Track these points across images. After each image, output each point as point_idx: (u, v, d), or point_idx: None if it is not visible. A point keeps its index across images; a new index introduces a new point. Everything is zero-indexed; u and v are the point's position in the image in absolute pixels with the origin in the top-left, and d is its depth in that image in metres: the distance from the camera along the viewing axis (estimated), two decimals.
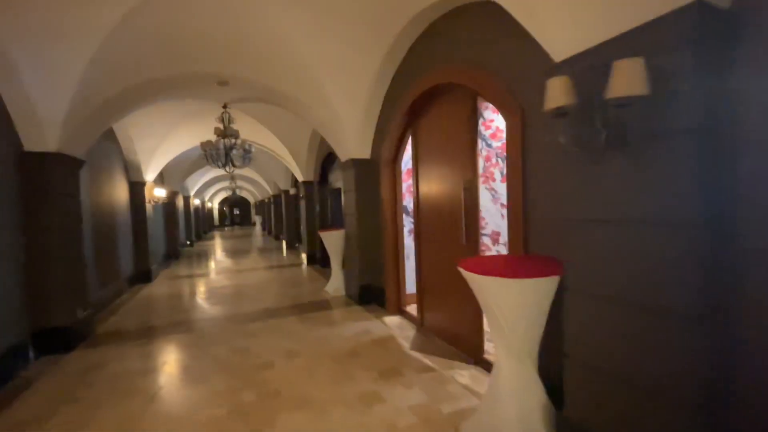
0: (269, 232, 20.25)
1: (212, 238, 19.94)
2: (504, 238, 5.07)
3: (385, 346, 3.71)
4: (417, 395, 2.76)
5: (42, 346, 3.74)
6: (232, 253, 12.73)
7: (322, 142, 7.67)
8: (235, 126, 6.34)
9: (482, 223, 4.59)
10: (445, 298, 3.73)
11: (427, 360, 3.35)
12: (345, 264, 5.95)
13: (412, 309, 4.58)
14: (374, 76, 4.24)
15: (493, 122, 4.89)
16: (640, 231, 1.66)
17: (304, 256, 9.70)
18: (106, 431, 2.50)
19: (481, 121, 4.27)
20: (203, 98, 5.58)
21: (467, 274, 2.16)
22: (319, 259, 8.71)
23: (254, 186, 21.30)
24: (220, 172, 14.36)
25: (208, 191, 21.64)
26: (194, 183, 15.47)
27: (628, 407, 1.74)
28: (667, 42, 1.49)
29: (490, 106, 4.68)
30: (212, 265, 10.07)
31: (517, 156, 2.58)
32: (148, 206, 7.80)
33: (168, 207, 10.78)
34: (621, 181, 1.71)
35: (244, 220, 35.40)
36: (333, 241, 5.94)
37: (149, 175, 7.67)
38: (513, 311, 2.03)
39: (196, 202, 18.37)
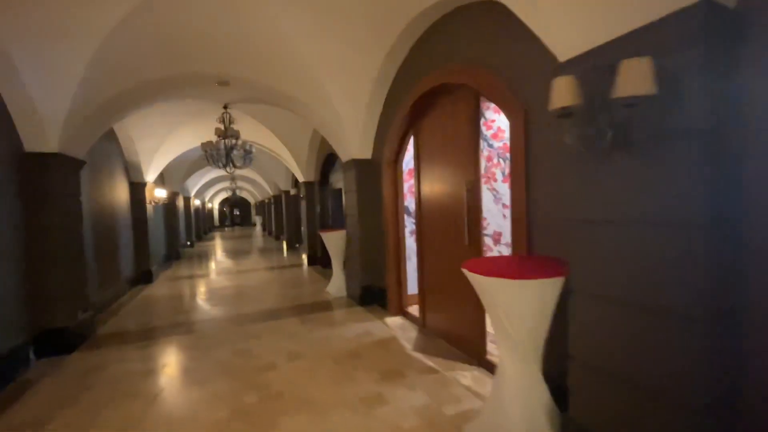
0: (269, 233, 20.24)
1: (212, 238, 19.94)
2: (505, 238, 5.06)
3: (387, 347, 3.69)
4: (420, 397, 2.75)
5: (43, 348, 3.73)
6: (233, 253, 12.72)
7: (323, 142, 7.66)
8: (235, 126, 6.33)
9: (484, 223, 4.57)
10: (448, 298, 3.71)
11: (429, 361, 3.34)
12: (346, 265, 5.94)
13: (413, 310, 4.56)
14: (375, 76, 4.23)
15: (495, 122, 4.88)
16: (645, 231, 1.64)
17: (304, 256, 9.69)
18: None
19: (482, 121, 4.26)
20: (204, 98, 5.57)
21: (471, 275, 2.14)
22: (320, 260, 8.69)
23: (254, 186, 21.29)
24: (221, 172, 14.34)
25: (208, 192, 21.64)
26: (194, 183, 15.46)
27: (633, 409, 1.73)
28: (674, 41, 1.47)
29: (492, 106, 4.67)
30: (213, 265, 10.06)
31: (521, 156, 2.57)
32: (149, 207, 7.79)
33: (168, 208, 10.76)
34: (626, 181, 1.70)
35: (245, 221, 35.40)
36: (334, 241, 5.93)
37: (150, 176, 7.66)
38: (517, 312, 2.01)
39: (197, 202, 18.37)
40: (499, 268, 2.08)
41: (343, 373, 3.19)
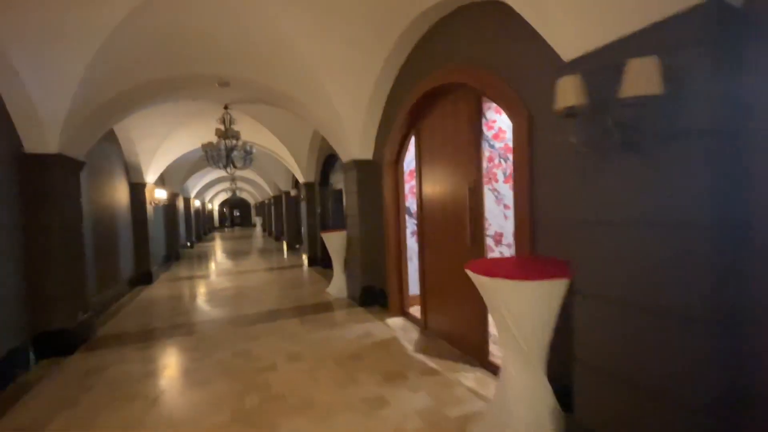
0: (269, 234, 20.21)
1: (212, 239, 19.91)
2: (507, 239, 5.05)
3: (388, 349, 3.67)
4: (422, 399, 2.73)
5: (42, 349, 3.71)
6: (233, 254, 12.70)
7: (323, 143, 7.65)
8: (236, 127, 6.32)
9: (485, 224, 4.55)
10: (449, 299, 3.69)
11: (431, 363, 3.32)
12: (347, 265, 5.92)
13: (414, 311, 4.55)
14: (376, 76, 4.21)
15: (496, 123, 4.87)
16: (650, 232, 1.63)
17: (304, 257, 9.67)
18: None
19: (483, 121, 4.24)
20: (204, 99, 5.56)
21: (475, 277, 2.13)
22: (321, 261, 8.67)
23: (254, 187, 21.28)
24: (221, 173, 14.33)
25: (208, 192, 21.62)
26: (194, 184, 15.45)
27: (637, 410, 1.71)
28: (682, 40, 1.46)
29: (493, 106, 4.66)
30: (213, 266, 10.04)
31: (524, 157, 2.55)
32: (149, 208, 7.77)
33: (168, 208, 10.75)
34: (631, 181, 1.68)
35: (245, 222, 35.37)
36: (335, 242, 5.91)
37: (150, 177, 7.65)
38: (522, 314, 1.99)
39: (197, 203, 18.35)
40: (503, 269, 2.07)
41: (344, 374, 3.17)
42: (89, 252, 4.87)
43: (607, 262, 1.81)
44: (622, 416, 1.78)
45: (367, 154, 5.02)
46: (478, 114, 3.20)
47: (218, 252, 13.63)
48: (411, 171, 4.84)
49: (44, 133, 3.66)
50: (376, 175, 4.99)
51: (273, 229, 18.27)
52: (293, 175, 10.47)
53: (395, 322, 4.48)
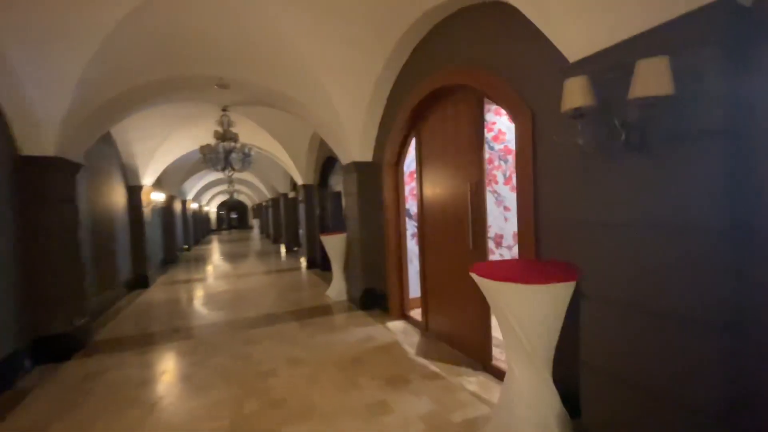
0: (267, 236, 20.14)
1: (210, 242, 19.80)
2: (507, 241, 5.04)
3: (389, 353, 3.64)
4: (426, 404, 2.69)
5: (39, 355, 3.66)
6: (231, 257, 12.62)
7: (322, 145, 7.62)
8: (234, 129, 6.28)
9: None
10: (451, 302, 3.66)
11: (433, 366, 3.29)
12: (346, 268, 5.88)
13: (415, 313, 4.51)
14: (377, 77, 4.19)
15: (495, 124, 4.87)
16: (660, 235, 1.61)
17: (303, 260, 9.62)
18: None
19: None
20: (203, 101, 5.52)
21: (480, 280, 2.10)
22: (320, 263, 8.63)
23: (252, 189, 21.21)
24: (218, 175, 14.28)
25: (205, 195, 21.53)
26: (192, 187, 15.37)
27: (646, 415, 1.69)
28: (691, 41, 1.44)
29: (492, 108, 4.66)
30: (210, 269, 9.96)
31: (527, 158, 2.53)
32: (146, 210, 7.71)
33: (166, 211, 10.67)
34: (639, 183, 1.66)
35: (242, 224, 35.23)
36: (334, 245, 5.87)
37: (147, 179, 7.59)
38: (529, 318, 1.97)
39: (194, 206, 18.26)
40: (508, 272, 2.04)
41: (346, 379, 3.13)
42: (86, 255, 4.81)
43: (613, 264, 1.79)
44: (630, 420, 1.76)
45: (367, 155, 4.99)
46: (480, 115, 3.18)
47: (216, 255, 13.55)
48: (411, 173, 4.82)
49: (41, 135, 3.62)
50: (376, 177, 4.96)
51: (271, 231, 18.20)
52: (291, 177, 10.42)
53: (396, 325, 4.44)
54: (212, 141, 6.30)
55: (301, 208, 9.40)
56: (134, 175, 7.30)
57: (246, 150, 6.52)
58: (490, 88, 2.84)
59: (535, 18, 2.04)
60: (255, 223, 30.27)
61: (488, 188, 4.84)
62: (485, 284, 2.08)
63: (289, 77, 4.42)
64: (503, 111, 4.71)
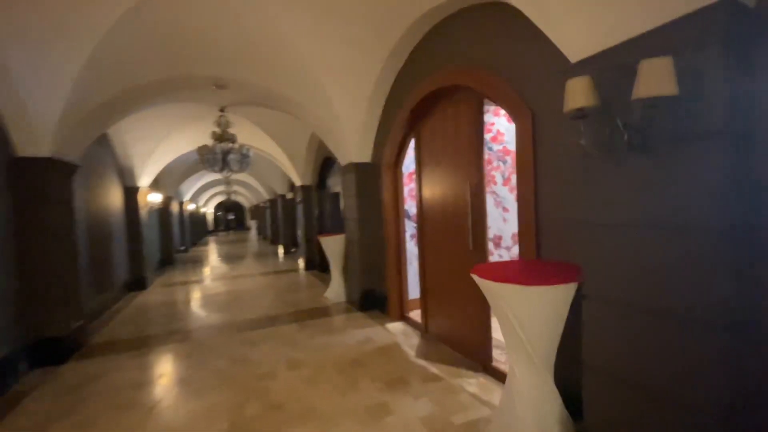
0: (265, 237, 20.08)
1: (207, 243, 19.73)
2: (506, 241, 5.03)
3: (389, 354, 3.62)
4: (426, 406, 2.68)
5: (34, 358, 3.62)
6: (228, 258, 12.57)
7: (321, 146, 7.60)
8: (232, 130, 6.24)
9: None
10: (451, 303, 3.65)
11: (433, 368, 3.27)
12: (345, 269, 5.86)
13: (414, 315, 4.50)
14: (376, 78, 4.18)
15: (494, 125, 4.86)
16: (661, 235, 1.60)
17: (301, 261, 9.59)
18: None
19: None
20: (201, 102, 5.49)
21: (481, 281, 2.09)
22: (318, 265, 8.60)
23: (249, 190, 21.15)
24: (215, 176, 14.21)
25: (202, 196, 21.45)
26: (189, 188, 15.31)
27: (650, 418, 1.68)
28: (694, 41, 1.43)
29: (491, 109, 4.65)
30: (208, 271, 9.92)
31: (528, 158, 2.52)
32: (143, 212, 7.66)
33: (163, 212, 10.61)
34: (642, 183, 1.66)
35: (239, 225, 35.12)
36: (333, 246, 5.85)
37: (144, 181, 7.54)
38: (531, 319, 1.96)
39: (191, 207, 18.18)
40: (510, 273, 2.03)
41: (345, 381, 3.11)
42: (82, 257, 4.77)
43: (614, 264, 1.78)
44: (632, 421, 1.76)
45: (366, 156, 4.98)
46: (480, 116, 3.17)
47: (213, 256, 13.50)
48: (410, 174, 4.80)
49: (37, 135, 3.58)
50: (374, 178, 4.94)
51: (269, 232, 18.15)
52: (289, 178, 10.39)
53: (395, 326, 4.43)
54: (209, 142, 6.27)
55: (299, 209, 9.37)
56: (131, 177, 7.25)
57: (244, 151, 6.48)
58: (490, 88, 2.83)
59: (536, 18, 2.04)
60: (252, 224, 30.18)
61: (487, 189, 4.85)
62: (486, 285, 2.07)
63: (289, 77, 4.40)
64: (502, 111, 4.72)
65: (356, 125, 4.69)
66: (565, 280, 1.91)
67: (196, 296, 6.81)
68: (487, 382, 2.99)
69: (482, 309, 3.14)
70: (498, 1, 2.58)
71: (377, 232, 4.97)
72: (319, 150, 7.88)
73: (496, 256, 5.03)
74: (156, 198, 8.45)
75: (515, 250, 5.01)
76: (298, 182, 8.86)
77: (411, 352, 3.65)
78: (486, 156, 4.72)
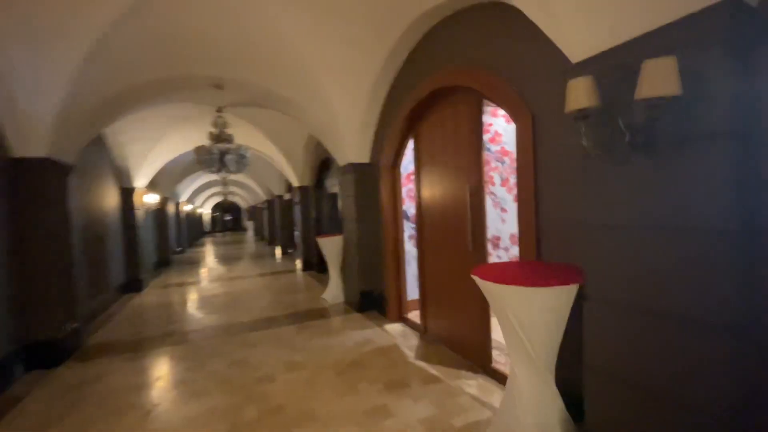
0: (262, 238, 20.01)
1: (204, 244, 19.62)
2: (504, 242, 5.02)
3: (388, 356, 3.60)
4: (426, 408, 2.66)
5: (29, 361, 3.57)
6: (225, 259, 12.51)
7: (318, 146, 7.57)
8: (229, 130, 6.20)
9: None
10: (450, 304, 3.64)
11: (432, 370, 3.25)
12: (343, 270, 5.83)
13: (413, 316, 4.49)
14: (375, 78, 4.16)
15: (492, 126, 4.86)
16: (663, 236, 1.60)
17: (299, 262, 9.55)
18: None
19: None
20: (200, 102, 5.46)
21: (482, 282, 2.07)
22: (316, 266, 8.57)
23: (246, 191, 21.07)
24: (212, 177, 14.16)
25: (199, 197, 21.34)
26: (185, 189, 15.22)
27: (650, 418, 1.67)
28: (697, 41, 1.43)
29: (489, 109, 4.64)
30: (205, 272, 9.86)
31: (528, 159, 2.51)
32: (139, 213, 7.60)
33: (159, 213, 10.55)
34: (644, 184, 1.65)
35: (236, 226, 34.97)
36: (331, 247, 5.83)
37: (140, 181, 7.49)
38: (532, 321, 1.94)
39: (187, 208, 18.09)
40: (512, 275, 2.02)
41: (344, 383, 3.09)
42: (78, 259, 4.71)
43: (615, 265, 1.78)
44: (633, 422, 1.75)
45: (364, 157, 4.96)
46: (479, 116, 3.16)
47: (210, 257, 13.43)
48: (408, 174, 4.79)
49: (32, 136, 3.54)
50: (373, 179, 4.93)
51: (266, 233, 18.08)
52: (287, 179, 10.35)
53: (394, 328, 4.41)
54: (206, 142, 6.22)
55: (297, 210, 9.34)
56: (127, 177, 7.20)
57: (242, 151, 6.44)
58: (490, 88, 2.82)
59: (537, 18, 2.03)
60: (249, 225, 30.06)
61: (485, 190, 4.84)
62: (487, 287, 2.05)
63: (288, 77, 4.37)
64: (500, 112, 4.72)
65: (355, 125, 4.67)
66: (567, 282, 1.89)
67: (193, 298, 6.76)
68: (486, 383, 2.97)
69: (482, 310, 3.13)
70: (498, 1, 2.58)
71: (375, 232, 4.96)
72: (317, 151, 7.85)
73: (494, 256, 5.02)
74: (152, 199, 8.39)
75: (513, 251, 5.01)
76: (295, 183, 8.82)
77: (410, 354, 3.63)
78: (484, 157, 4.74)
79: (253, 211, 25.51)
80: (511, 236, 4.99)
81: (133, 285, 7.34)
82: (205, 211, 29.91)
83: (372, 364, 3.43)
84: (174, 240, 13.37)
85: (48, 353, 3.69)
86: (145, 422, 2.66)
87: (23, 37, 2.99)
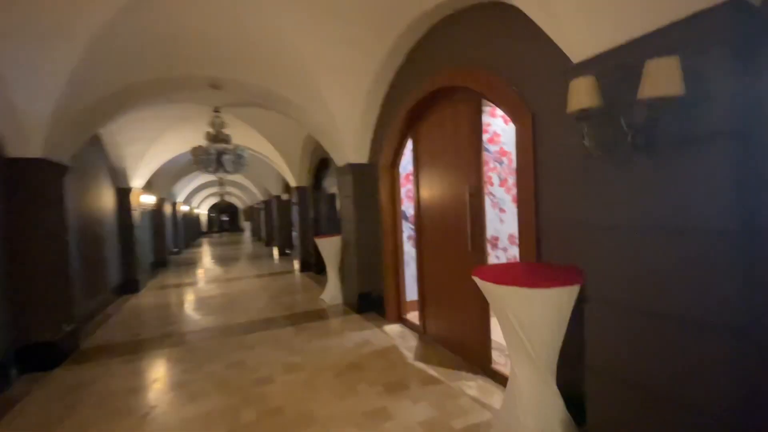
0: (259, 239, 19.95)
1: (200, 245, 19.55)
2: (502, 242, 5.03)
3: (387, 357, 3.59)
4: (425, 410, 2.65)
5: (25, 363, 3.53)
6: (222, 260, 12.46)
7: (316, 147, 7.55)
8: (226, 131, 6.19)
9: None
10: (449, 305, 3.63)
11: (432, 371, 3.24)
12: (342, 271, 5.82)
13: (412, 317, 4.47)
14: (374, 78, 4.15)
15: (490, 126, 4.86)
16: (664, 237, 1.60)
17: (296, 263, 9.52)
18: None
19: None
20: (196, 102, 5.43)
21: (482, 283, 2.07)
22: (314, 266, 8.54)
23: (243, 191, 21.00)
24: (209, 177, 14.11)
25: (196, 197, 21.26)
26: (182, 189, 15.16)
27: (651, 418, 1.67)
28: (701, 41, 1.43)
29: (487, 109, 4.64)
30: (201, 273, 9.81)
31: (528, 159, 2.51)
32: (136, 213, 7.55)
33: (156, 214, 10.49)
34: (645, 184, 1.65)
35: (233, 227, 34.86)
36: (329, 248, 5.80)
37: (136, 182, 7.45)
38: (533, 322, 1.94)
39: (184, 208, 18.02)
40: (512, 276, 2.01)
41: (344, 385, 3.07)
42: (74, 260, 4.68)
43: (616, 266, 1.78)
44: (634, 423, 1.74)
45: (363, 157, 4.95)
46: (479, 117, 3.15)
47: (207, 258, 13.38)
48: (407, 175, 4.78)
49: (27, 136, 3.50)
50: (371, 179, 4.91)
51: (263, 234, 18.03)
52: (284, 179, 10.32)
53: (393, 329, 4.39)
54: (203, 142, 6.20)
55: (295, 211, 9.30)
56: (124, 178, 7.15)
57: (239, 151, 6.43)
58: (490, 89, 2.82)
59: (538, 18, 2.03)
60: (247, 225, 29.98)
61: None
62: (488, 288, 2.05)
63: (288, 77, 4.35)
64: (498, 112, 4.72)
65: (354, 126, 4.65)
66: (568, 283, 1.89)
67: (190, 299, 6.73)
68: (486, 384, 2.96)
69: (481, 310, 3.12)
70: (498, 0, 2.57)
71: (374, 233, 4.94)
72: (315, 151, 7.83)
73: (493, 257, 5.02)
74: (149, 199, 8.34)
75: (512, 251, 5.01)
76: (293, 183, 8.80)
77: (409, 355, 3.62)
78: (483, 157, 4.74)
79: (251, 212, 25.44)
80: (510, 236, 4.99)
81: (129, 286, 7.29)
82: (202, 212, 29.80)
83: (371, 366, 3.41)
84: (171, 241, 13.31)
85: (45, 355, 3.65)
86: (143, 424, 2.63)
87: (21, 38, 2.96)
